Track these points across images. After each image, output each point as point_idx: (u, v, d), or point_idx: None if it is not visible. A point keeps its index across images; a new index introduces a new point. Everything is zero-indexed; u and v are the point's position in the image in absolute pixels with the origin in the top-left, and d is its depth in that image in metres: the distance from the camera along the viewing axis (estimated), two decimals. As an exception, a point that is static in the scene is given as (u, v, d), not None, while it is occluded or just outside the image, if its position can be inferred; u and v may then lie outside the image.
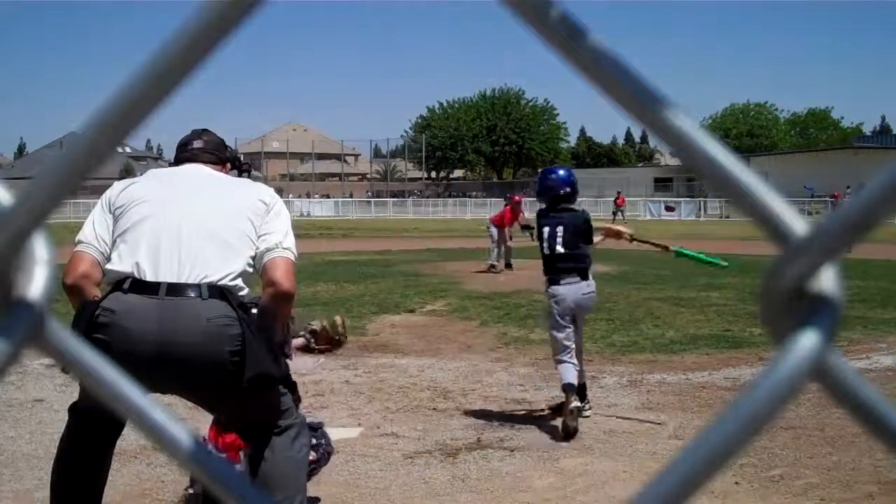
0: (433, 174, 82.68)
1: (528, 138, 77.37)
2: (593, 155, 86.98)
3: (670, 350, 7.16)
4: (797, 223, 0.33)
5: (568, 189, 5.06)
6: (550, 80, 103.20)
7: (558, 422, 4.83)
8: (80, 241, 2.60)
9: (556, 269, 4.98)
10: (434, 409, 5.35)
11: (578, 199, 5.45)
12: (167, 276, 2.46)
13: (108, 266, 2.55)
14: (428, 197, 64.02)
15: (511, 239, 14.85)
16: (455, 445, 4.57)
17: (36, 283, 0.34)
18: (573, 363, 4.91)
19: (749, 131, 76.29)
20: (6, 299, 0.34)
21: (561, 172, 5.26)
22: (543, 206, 5.15)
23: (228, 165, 2.98)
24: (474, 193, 64.63)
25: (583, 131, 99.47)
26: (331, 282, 12.21)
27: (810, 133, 79.01)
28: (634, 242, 5.38)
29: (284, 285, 2.58)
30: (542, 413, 5.18)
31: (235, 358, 2.43)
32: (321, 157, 79.69)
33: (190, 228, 2.54)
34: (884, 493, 3.76)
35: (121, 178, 2.91)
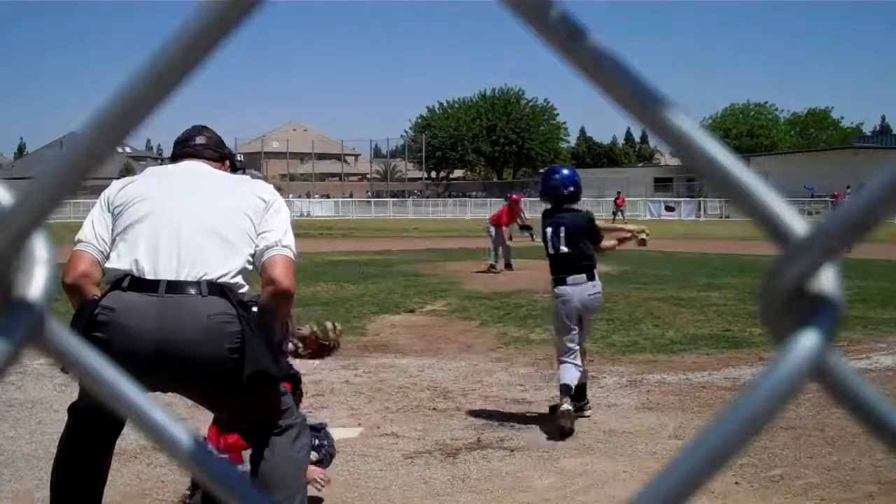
0: (433, 174, 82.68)
1: (528, 138, 77.38)
2: (593, 155, 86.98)
3: (670, 350, 7.17)
4: (797, 223, 0.33)
5: (571, 189, 5.06)
6: (550, 80, 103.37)
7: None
8: (79, 241, 2.60)
9: (561, 269, 4.98)
10: (434, 409, 5.35)
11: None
12: (167, 273, 2.46)
13: (108, 264, 2.55)
14: (428, 197, 64.03)
15: (511, 239, 14.85)
16: (455, 445, 4.57)
17: (36, 283, 0.34)
18: (575, 364, 4.90)
19: (749, 131, 76.30)
20: (6, 299, 0.34)
21: (565, 172, 5.25)
22: (548, 206, 5.15)
23: (227, 163, 2.97)
24: (474, 193, 64.63)
25: (583, 131, 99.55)
26: (331, 282, 12.22)
27: (810, 133, 79.02)
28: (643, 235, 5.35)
29: (284, 283, 2.58)
30: (542, 413, 5.18)
31: (235, 355, 2.43)
32: (321, 157, 79.69)
33: (189, 226, 2.53)
34: (884, 493, 3.76)
35: (120, 177, 2.90)
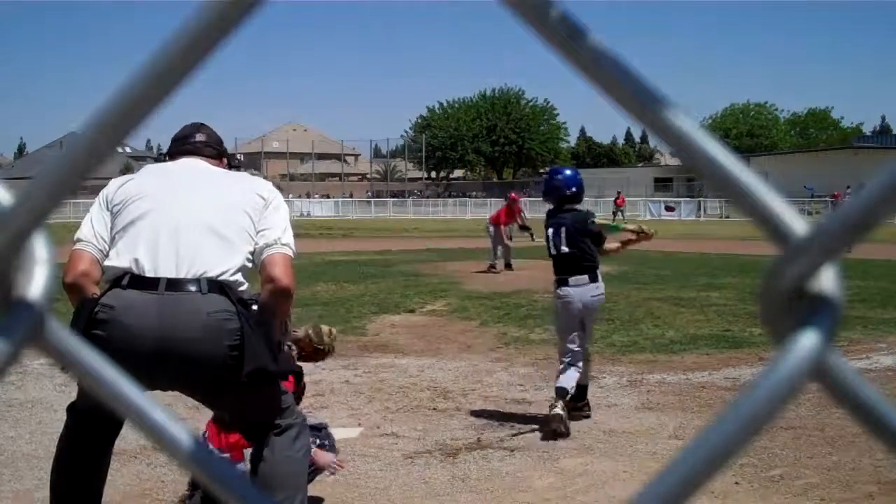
0: (433, 174, 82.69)
1: (528, 138, 77.38)
2: (593, 155, 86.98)
3: (670, 350, 7.17)
4: (797, 223, 0.33)
5: (573, 189, 5.05)
6: (550, 80, 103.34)
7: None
8: (78, 240, 2.60)
9: (562, 269, 4.97)
10: (434, 409, 5.35)
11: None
12: (166, 271, 2.47)
13: (107, 262, 2.55)
14: (428, 197, 64.02)
15: (511, 239, 14.84)
16: (455, 445, 4.57)
17: (36, 283, 0.34)
18: (574, 367, 4.88)
19: (749, 131, 76.29)
20: (6, 299, 0.34)
21: (567, 173, 5.24)
22: (551, 206, 5.14)
23: (224, 160, 2.97)
24: (474, 193, 64.63)
25: (583, 131, 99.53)
26: (331, 282, 12.22)
27: (810, 133, 79.01)
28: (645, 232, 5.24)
29: (283, 281, 2.58)
30: (542, 413, 5.18)
31: (234, 352, 2.43)
32: (321, 157, 79.69)
33: (188, 224, 2.54)
34: (884, 493, 3.76)
35: (119, 176, 2.90)
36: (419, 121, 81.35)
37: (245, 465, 2.96)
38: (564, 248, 4.93)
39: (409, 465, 4.26)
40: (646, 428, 4.89)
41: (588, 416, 5.08)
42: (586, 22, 0.33)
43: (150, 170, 2.89)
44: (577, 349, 4.90)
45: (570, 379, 4.82)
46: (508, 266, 14.24)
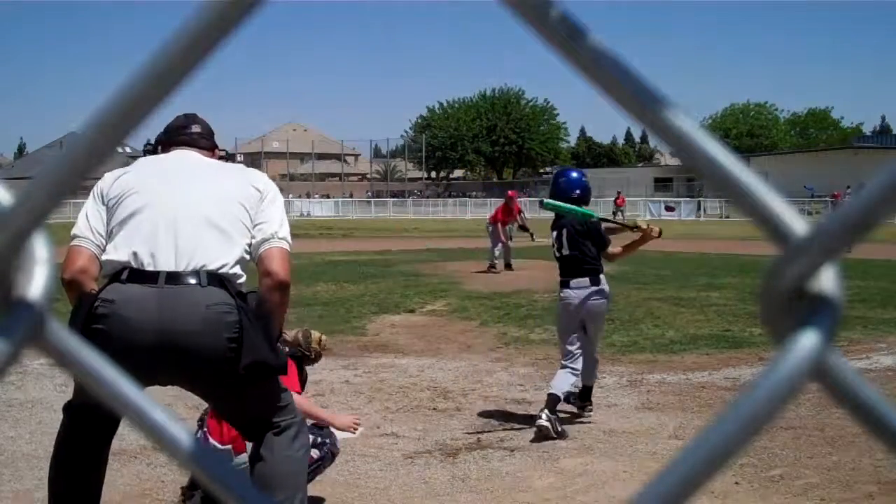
0: (433, 174, 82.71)
1: (528, 138, 77.39)
2: (593, 155, 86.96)
3: (670, 350, 7.17)
4: (797, 223, 0.33)
5: (578, 192, 5.03)
6: (550, 80, 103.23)
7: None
8: (75, 236, 2.59)
9: (565, 272, 4.96)
10: (434, 409, 5.35)
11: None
12: (166, 264, 2.47)
13: (105, 257, 2.54)
14: (428, 197, 64.03)
15: (511, 239, 14.84)
16: (455, 445, 4.57)
17: (36, 283, 0.34)
18: (571, 370, 4.86)
19: (749, 131, 76.31)
20: (6, 299, 0.34)
21: (573, 175, 5.22)
22: None
23: (216, 151, 2.97)
24: (474, 193, 64.64)
25: (583, 131, 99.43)
26: (331, 282, 12.22)
27: (810, 133, 79.03)
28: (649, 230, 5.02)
29: (281, 275, 2.61)
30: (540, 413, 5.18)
31: (233, 345, 2.44)
32: (321, 157, 79.69)
33: (186, 216, 2.54)
34: (884, 493, 3.76)
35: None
36: (419, 121, 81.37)
37: (246, 457, 2.96)
38: (566, 251, 4.93)
39: (409, 465, 4.26)
40: (646, 428, 4.89)
41: (588, 417, 5.08)
42: (586, 22, 0.33)
43: (145, 163, 2.85)
44: (575, 351, 4.89)
45: (563, 383, 4.80)
46: (508, 266, 14.24)
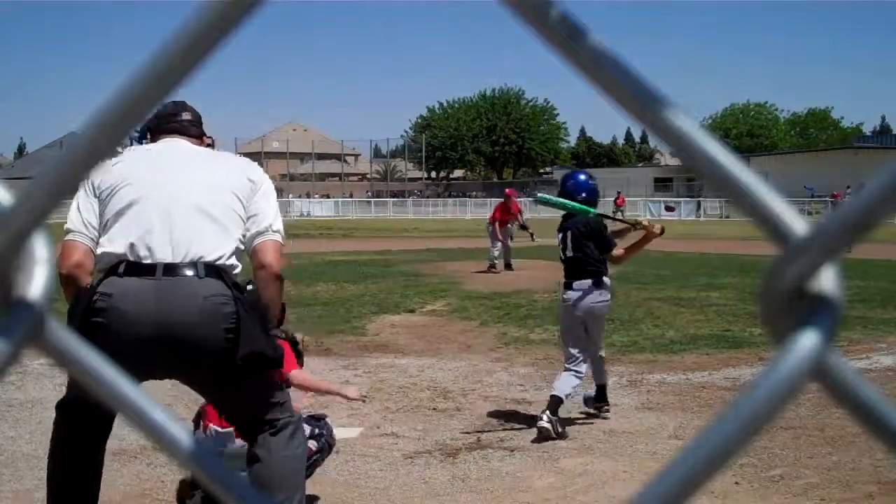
0: (433, 174, 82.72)
1: (528, 138, 77.41)
2: (593, 155, 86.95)
3: (670, 350, 7.17)
4: (797, 223, 0.33)
5: (584, 195, 5.02)
6: (550, 80, 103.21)
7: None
8: (69, 230, 2.58)
9: (568, 273, 4.94)
10: (434, 409, 5.35)
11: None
12: (162, 256, 2.47)
13: (100, 250, 2.53)
14: (428, 197, 64.05)
15: (512, 239, 14.83)
16: (455, 445, 4.57)
17: (36, 283, 0.34)
18: (575, 372, 4.85)
19: (749, 131, 76.33)
20: (6, 299, 0.34)
21: (581, 177, 5.20)
22: (566, 211, 5.12)
23: (205, 139, 2.96)
24: (474, 193, 64.65)
25: (583, 131, 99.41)
26: (331, 282, 12.22)
27: (810, 133, 79.05)
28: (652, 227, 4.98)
29: (275, 267, 2.65)
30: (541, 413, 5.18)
31: (230, 336, 2.45)
32: (321, 157, 79.70)
33: (181, 207, 2.54)
34: (884, 493, 3.76)
35: None
36: (419, 121, 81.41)
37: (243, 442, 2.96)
38: (570, 252, 4.93)
39: (409, 465, 4.26)
40: (646, 428, 4.89)
41: (606, 417, 5.07)
42: (586, 22, 0.33)
43: (136, 152, 2.82)
44: (578, 354, 4.87)
45: (565, 385, 4.79)
46: (508, 266, 14.23)
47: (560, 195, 5.09)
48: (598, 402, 5.15)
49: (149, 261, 2.47)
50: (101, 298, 2.43)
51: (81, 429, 2.59)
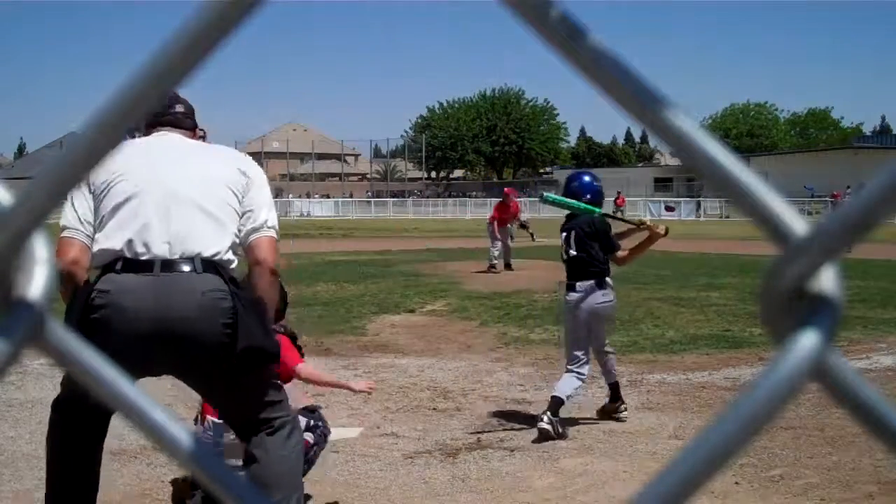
0: (433, 174, 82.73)
1: (528, 138, 77.42)
2: (593, 155, 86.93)
3: (670, 350, 7.17)
4: (797, 223, 0.33)
5: (589, 196, 5.01)
6: (550, 80, 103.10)
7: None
8: (65, 227, 2.56)
9: (571, 274, 4.92)
10: (434, 409, 5.35)
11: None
12: (160, 252, 2.47)
13: (97, 246, 2.53)
14: (428, 197, 64.07)
15: (512, 239, 14.82)
16: (455, 445, 4.57)
17: (36, 283, 0.34)
18: (577, 374, 4.84)
19: (749, 131, 76.33)
20: (6, 299, 0.34)
21: (585, 179, 5.19)
22: (569, 212, 5.11)
23: (197, 131, 2.95)
24: (474, 193, 64.66)
25: (583, 131, 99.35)
26: (331, 282, 12.22)
27: (810, 133, 79.06)
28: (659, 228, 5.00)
29: (271, 263, 2.68)
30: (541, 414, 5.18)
31: (228, 331, 2.45)
32: (321, 157, 79.70)
33: (177, 203, 2.54)
34: (884, 493, 3.76)
35: None
36: (419, 121, 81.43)
37: None
38: (573, 252, 4.90)
39: (409, 465, 4.26)
40: (646, 428, 4.89)
41: (624, 418, 5.03)
42: (586, 22, 0.33)
43: (130, 146, 2.77)
44: (581, 357, 4.86)
45: (567, 386, 4.78)
46: (508, 266, 14.23)
47: (564, 196, 5.09)
48: (613, 402, 5.08)
49: (146, 257, 2.47)
50: (100, 295, 2.43)
51: (77, 427, 2.58)
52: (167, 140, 2.77)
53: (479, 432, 4.82)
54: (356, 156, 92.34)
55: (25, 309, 0.34)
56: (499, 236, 14.25)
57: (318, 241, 22.54)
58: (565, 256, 4.98)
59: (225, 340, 2.45)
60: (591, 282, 4.84)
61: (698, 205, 46.46)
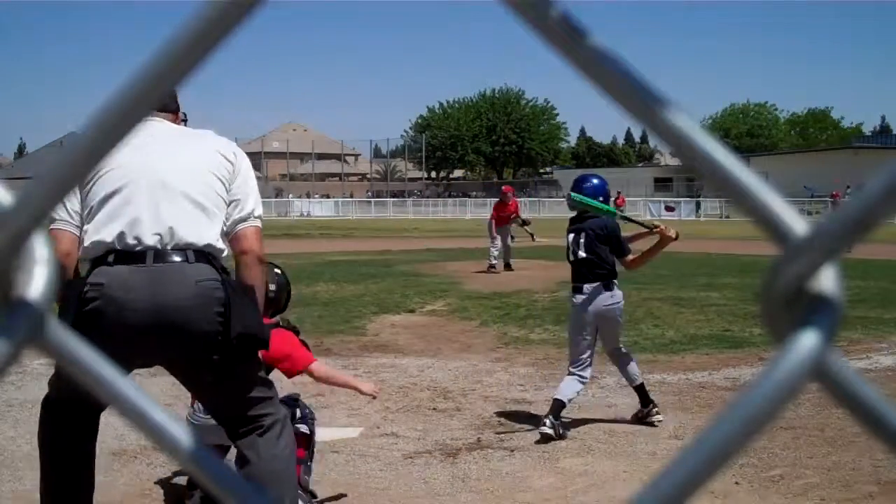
0: (433, 174, 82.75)
1: (528, 138, 77.46)
2: (593, 155, 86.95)
3: (670, 350, 7.16)
4: (797, 223, 0.33)
5: (602, 198, 4.97)
6: (550, 80, 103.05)
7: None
8: (53, 219, 2.53)
9: (578, 276, 4.88)
10: (434, 409, 5.35)
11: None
12: (151, 243, 2.48)
13: (87, 238, 2.51)
14: (428, 197, 64.08)
15: (513, 239, 14.82)
16: (455, 445, 4.57)
17: (36, 283, 0.34)
18: (579, 377, 4.82)
19: (749, 131, 76.40)
20: (6, 299, 0.34)
21: (594, 181, 5.13)
22: (574, 214, 5.09)
23: (179, 114, 2.94)
24: (474, 193, 64.67)
25: (583, 131, 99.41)
26: (331, 282, 12.22)
27: (810, 133, 79.08)
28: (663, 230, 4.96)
29: (257, 251, 2.70)
30: (542, 413, 5.17)
31: (221, 319, 2.47)
32: (321, 157, 79.68)
33: (166, 193, 2.54)
34: (884, 493, 3.76)
35: None
36: (419, 121, 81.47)
37: None
38: (582, 253, 4.85)
39: (409, 465, 4.26)
40: (646, 428, 4.89)
41: (657, 423, 4.93)
42: (586, 22, 0.33)
43: None
44: (585, 359, 4.83)
45: (569, 389, 4.77)
46: (508, 266, 14.23)
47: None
48: (644, 406, 4.98)
49: (138, 248, 2.47)
50: (93, 289, 2.42)
51: (67, 425, 2.57)
52: (154, 128, 2.70)
53: (479, 432, 4.82)
54: (356, 156, 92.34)
55: (25, 309, 0.34)
56: (497, 235, 14.26)
57: (318, 241, 22.55)
58: (572, 258, 4.93)
59: (219, 329, 2.47)
60: (599, 284, 4.81)
61: (698, 205, 46.46)
